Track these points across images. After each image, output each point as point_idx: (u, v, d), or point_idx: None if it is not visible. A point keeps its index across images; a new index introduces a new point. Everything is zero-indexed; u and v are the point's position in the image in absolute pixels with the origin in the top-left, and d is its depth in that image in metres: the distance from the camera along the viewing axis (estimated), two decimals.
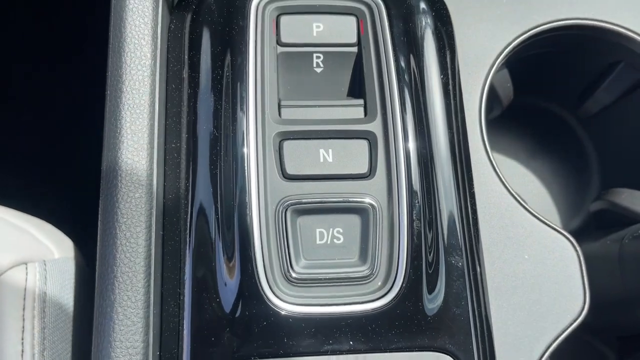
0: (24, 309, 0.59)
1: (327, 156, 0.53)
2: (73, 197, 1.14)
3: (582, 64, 0.74)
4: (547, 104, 0.83)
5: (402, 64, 0.57)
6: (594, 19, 0.66)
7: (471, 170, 0.57)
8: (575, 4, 0.66)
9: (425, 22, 0.59)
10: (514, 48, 0.64)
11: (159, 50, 0.56)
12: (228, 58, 0.55)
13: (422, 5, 0.60)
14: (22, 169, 1.20)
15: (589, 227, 0.79)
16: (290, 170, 0.52)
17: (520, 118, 0.81)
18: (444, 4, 0.62)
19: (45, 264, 0.62)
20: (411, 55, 0.57)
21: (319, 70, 0.58)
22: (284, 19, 0.58)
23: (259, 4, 0.58)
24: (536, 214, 0.59)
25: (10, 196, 0.76)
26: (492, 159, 0.60)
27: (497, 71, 0.64)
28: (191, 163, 0.53)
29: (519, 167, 0.84)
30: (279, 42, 0.58)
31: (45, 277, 0.61)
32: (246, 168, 0.52)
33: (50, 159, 1.23)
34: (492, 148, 0.62)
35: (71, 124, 1.20)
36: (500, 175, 0.60)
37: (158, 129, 0.54)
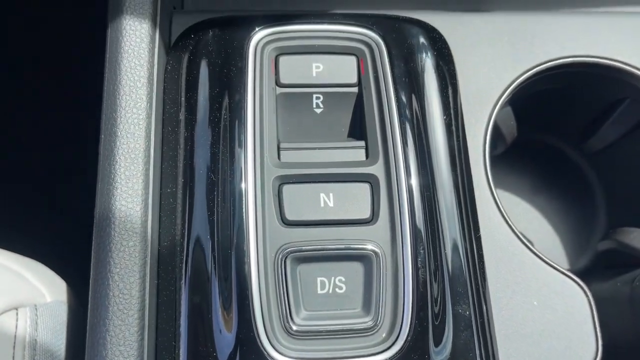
0: (13, 357, 0.56)
1: (327, 201, 0.51)
2: (66, 233, 1.12)
3: (587, 100, 0.73)
4: (552, 140, 0.81)
5: (404, 104, 0.55)
6: (597, 56, 0.65)
7: (477, 214, 0.56)
8: (578, 41, 0.65)
9: (426, 61, 0.58)
10: (517, 86, 0.63)
11: (154, 92, 0.55)
12: (226, 100, 0.54)
13: (424, 44, 0.59)
14: (10, 203, 1.18)
15: (597, 266, 0.77)
16: (290, 216, 0.50)
17: (524, 154, 0.79)
18: (446, 43, 0.61)
19: (36, 309, 0.60)
20: (413, 95, 0.56)
21: (318, 110, 0.57)
22: (283, 59, 0.57)
23: (257, 44, 0.57)
24: (544, 258, 0.57)
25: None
26: (498, 201, 0.59)
27: (501, 109, 0.63)
28: (187, 209, 0.52)
29: (523, 204, 0.82)
30: (278, 83, 0.56)
31: (36, 323, 0.59)
32: (244, 214, 0.50)
33: (43, 192, 1.22)
34: (495, 185, 0.61)
35: (69, 159, 1.19)
36: (507, 218, 0.59)
37: (153, 174, 0.53)
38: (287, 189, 0.52)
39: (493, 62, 0.63)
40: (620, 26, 0.66)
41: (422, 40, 0.60)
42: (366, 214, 0.51)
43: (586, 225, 0.80)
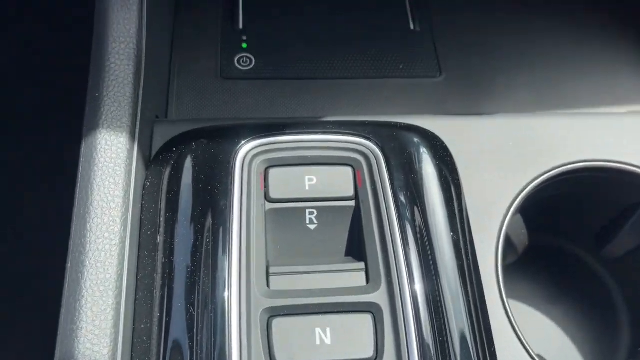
0: None
1: (324, 337, 0.45)
2: None
3: (601, 205, 0.68)
4: (567, 246, 0.76)
5: (407, 220, 0.50)
6: (609, 160, 0.61)
7: (493, 344, 0.49)
8: (587, 144, 0.61)
9: (428, 172, 0.54)
10: (527, 194, 0.58)
11: (130, 214, 0.49)
12: (209, 221, 0.49)
13: (424, 153, 0.55)
14: None
15: None
16: (281, 357, 0.44)
17: (537, 260, 0.74)
18: (447, 150, 0.57)
19: None
20: (416, 210, 0.51)
21: (312, 227, 0.52)
22: (273, 172, 0.53)
23: (245, 157, 0.53)
24: None
25: None
26: (514, 324, 0.52)
27: (511, 219, 0.58)
28: (163, 349, 0.45)
29: (538, 315, 0.75)
30: (267, 198, 0.52)
31: None
32: (227, 356, 0.43)
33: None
34: (507, 295, 0.54)
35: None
36: (525, 342, 0.52)
37: (126, 307, 0.46)
38: (277, 323, 0.45)
39: (499, 170, 0.59)
40: (631, 127, 0.62)
41: (422, 148, 0.55)
42: (369, 352, 0.45)
43: (609, 341, 0.73)
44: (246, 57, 0.71)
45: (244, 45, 0.72)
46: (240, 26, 0.74)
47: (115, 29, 0.56)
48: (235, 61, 0.71)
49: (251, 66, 0.71)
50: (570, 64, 0.74)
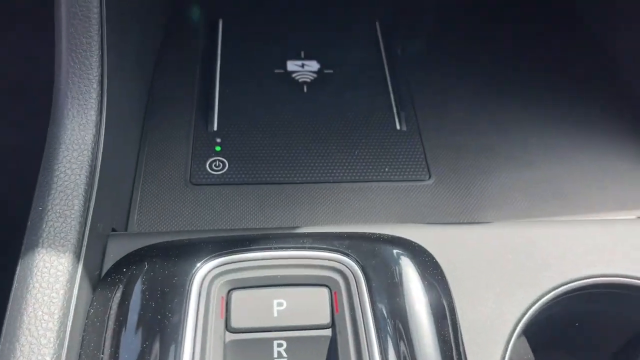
0: None
1: None
2: None
3: (616, 323, 0.60)
4: None
5: (391, 354, 0.43)
6: (620, 274, 0.54)
7: None
8: (594, 256, 0.54)
9: (416, 295, 0.47)
10: (531, 316, 0.51)
11: (64, 351, 0.42)
12: (155, 357, 0.41)
13: (411, 272, 0.48)
14: None
15: None
16: None
17: None
18: (439, 268, 0.50)
19: None
20: (402, 344, 0.44)
21: None
22: (235, 296, 0.46)
23: (204, 279, 0.46)
24: None
25: None
26: None
27: (514, 344, 0.50)
28: None
29: None
30: (228, 328, 0.45)
31: None
32: None
33: None
34: None
35: None
36: None
37: None
38: None
39: (498, 287, 0.52)
40: None
41: (408, 266, 0.49)
42: None
43: None
44: (219, 160, 0.66)
45: (218, 149, 0.67)
46: (215, 128, 0.70)
47: (69, 134, 0.51)
48: (207, 165, 0.66)
49: (224, 170, 0.66)
50: (571, 164, 0.68)
